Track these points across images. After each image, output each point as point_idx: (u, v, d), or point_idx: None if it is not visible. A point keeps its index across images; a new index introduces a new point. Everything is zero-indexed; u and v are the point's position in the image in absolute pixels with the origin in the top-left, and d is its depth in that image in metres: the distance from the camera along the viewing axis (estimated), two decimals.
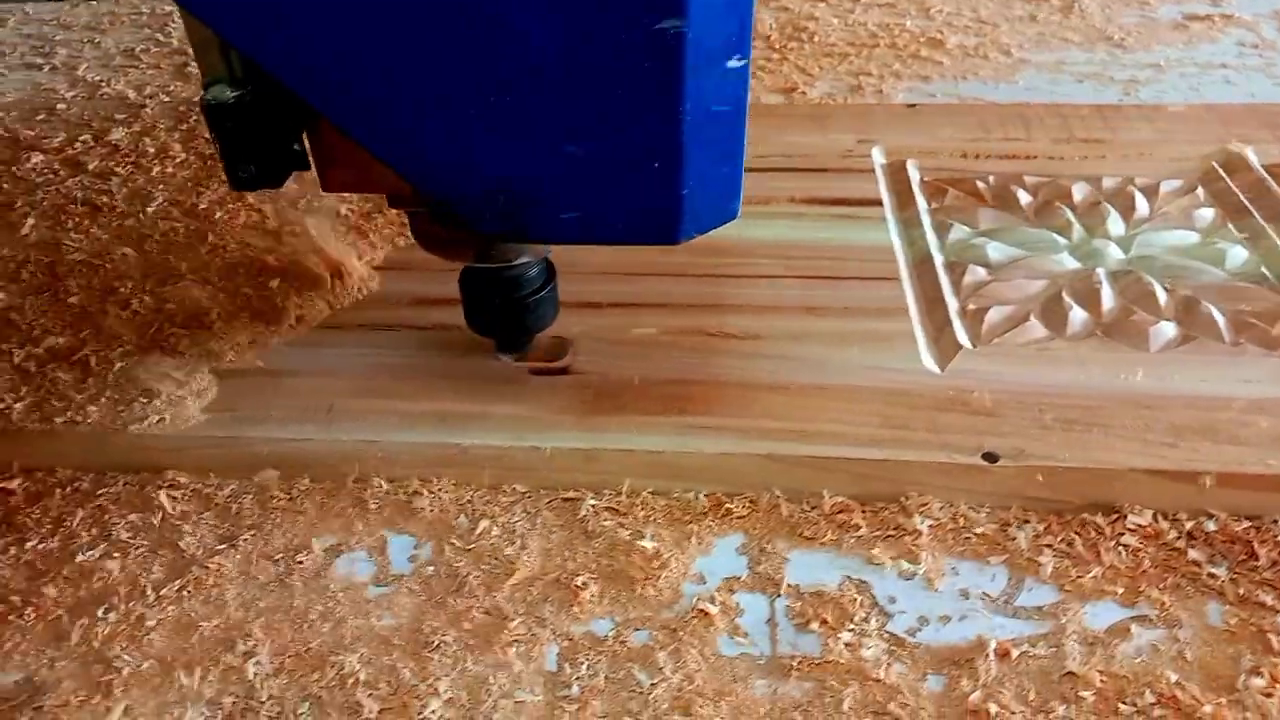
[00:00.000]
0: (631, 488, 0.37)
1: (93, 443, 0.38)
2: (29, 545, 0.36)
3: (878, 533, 0.35)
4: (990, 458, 0.35)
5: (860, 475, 0.36)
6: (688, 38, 0.27)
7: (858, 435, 0.36)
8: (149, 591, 0.34)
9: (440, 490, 0.37)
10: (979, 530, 0.35)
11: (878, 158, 0.53)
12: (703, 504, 0.37)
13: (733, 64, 0.29)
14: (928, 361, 0.39)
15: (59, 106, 0.66)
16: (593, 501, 0.37)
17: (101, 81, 0.69)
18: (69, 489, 0.38)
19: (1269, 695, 0.29)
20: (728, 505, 0.36)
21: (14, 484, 0.38)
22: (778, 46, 0.71)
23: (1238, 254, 0.45)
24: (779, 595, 0.33)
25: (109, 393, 0.39)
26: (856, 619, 0.32)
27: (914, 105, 0.59)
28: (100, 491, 0.38)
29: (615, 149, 0.29)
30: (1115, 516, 0.35)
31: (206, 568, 0.34)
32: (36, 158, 0.59)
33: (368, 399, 0.39)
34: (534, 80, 0.28)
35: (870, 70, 0.67)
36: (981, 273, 0.44)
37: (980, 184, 0.51)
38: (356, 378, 0.40)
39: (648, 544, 0.35)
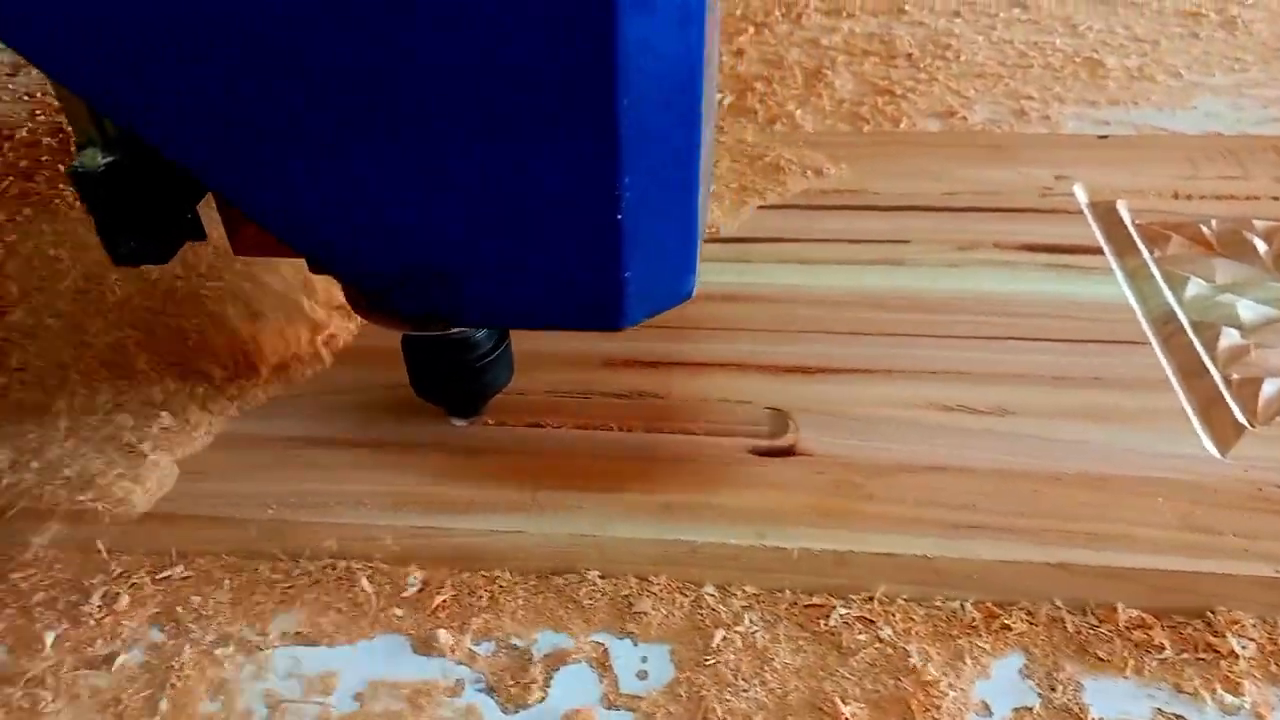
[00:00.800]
0: (885, 593, 0.32)
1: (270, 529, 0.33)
2: None
3: (1185, 655, 0.30)
4: None
5: (1158, 586, 0.31)
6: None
7: (1156, 539, 0.31)
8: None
9: (660, 590, 0.33)
10: None
11: (1081, 196, 0.48)
12: (971, 615, 0.32)
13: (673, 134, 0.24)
14: (1208, 445, 0.35)
15: None
16: (843, 610, 0.32)
17: None
18: None
19: None
20: (1002, 618, 0.31)
21: None
22: (923, 65, 0.67)
23: None
24: None
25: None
26: None
27: (1105, 136, 0.54)
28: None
29: (541, 222, 0.24)
30: None
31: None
32: None
33: (570, 481, 0.34)
34: (437, 132, 0.23)
35: (1030, 94, 0.62)
36: (1236, 335, 0.39)
37: (1204, 229, 0.45)
38: (554, 456, 0.35)
39: (916, 663, 0.30)
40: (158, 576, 0.34)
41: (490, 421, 0.37)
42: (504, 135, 0.23)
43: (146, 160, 0.26)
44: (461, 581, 0.33)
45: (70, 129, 0.26)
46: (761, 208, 0.48)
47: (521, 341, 0.41)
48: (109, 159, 0.26)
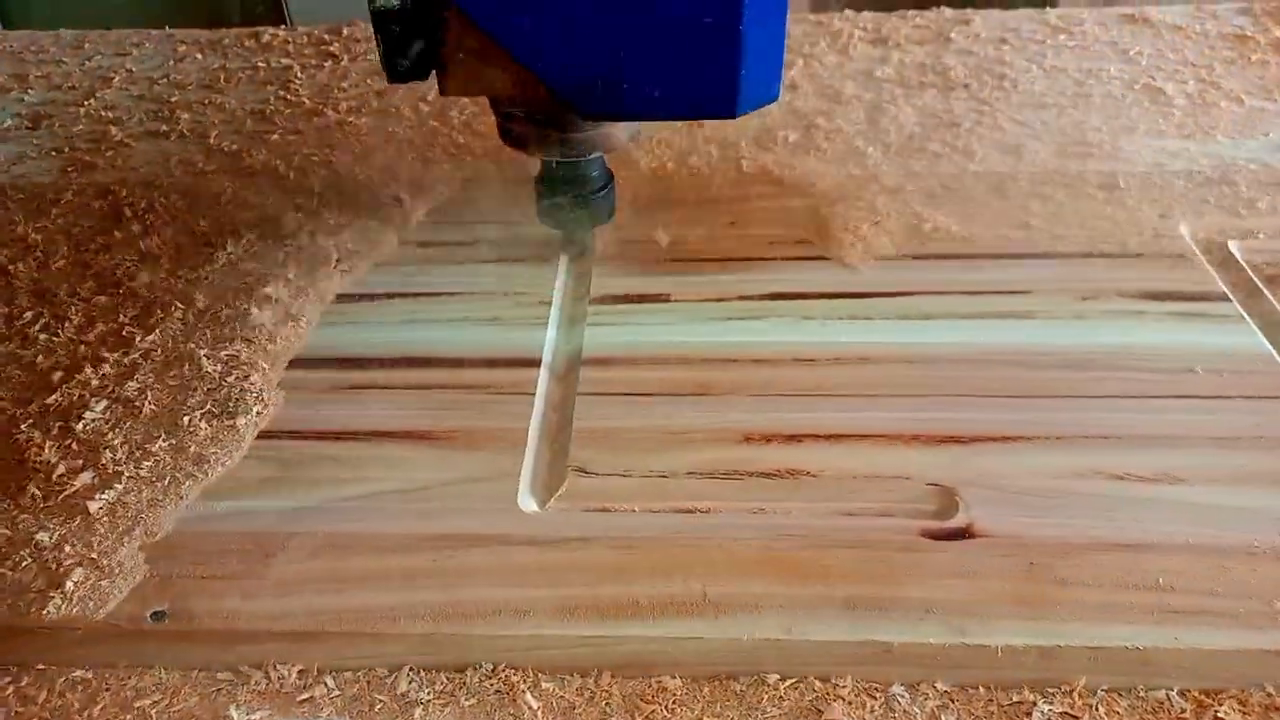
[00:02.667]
0: (1087, 685, 0.30)
1: None
2: None
3: None
4: None
5: None
6: None
7: None
8: None
9: (848, 692, 0.31)
10: None
11: (1189, 239, 0.47)
12: (1179, 705, 0.30)
13: None
14: None
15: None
16: (1045, 706, 0.30)
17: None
18: None
19: None
20: (1213, 708, 0.30)
21: None
22: (981, 96, 0.66)
23: None
24: None
25: None
26: None
27: (1195, 171, 0.53)
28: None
29: (688, 38, 0.35)
30: None
31: None
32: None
33: (741, 575, 0.32)
34: None
35: (1099, 126, 0.61)
36: None
37: None
38: (716, 547, 0.33)
39: None
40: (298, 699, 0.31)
41: (638, 508, 0.35)
42: None
43: (420, 3, 0.36)
44: (631, 690, 0.31)
45: None
46: (889, 258, 0.47)
47: (649, 414, 0.39)
48: (394, 2, 0.35)
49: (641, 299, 0.45)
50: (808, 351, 0.41)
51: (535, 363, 0.41)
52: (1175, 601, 0.31)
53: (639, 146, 0.61)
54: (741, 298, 0.45)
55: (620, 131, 0.43)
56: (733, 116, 0.36)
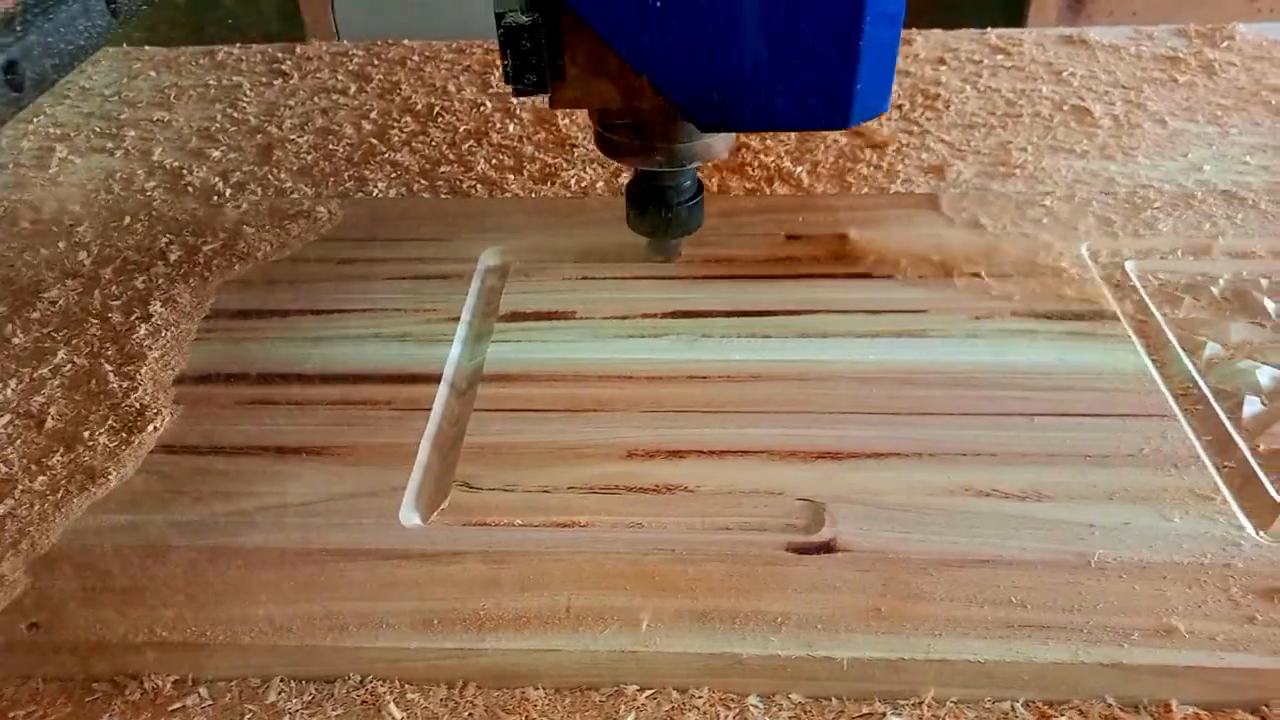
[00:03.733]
0: (936, 696, 0.31)
1: None
2: None
3: None
4: None
5: (1215, 682, 0.30)
6: None
7: (1210, 633, 0.31)
8: None
9: (704, 704, 0.32)
10: None
11: (1088, 257, 0.48)
12: (1023, 716, 0.31)
13: None
14: (1246, 526, 0.34)
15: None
16: (893, 717, 0.31)
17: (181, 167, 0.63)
18: None
19: None
20: (1054, 718, 0.31)
21: None
22: (912, 117, 0.67)
23: None
24: None
25: None
26: None
27: (1108, 193, 0.54)
28: None
29: (806, 49, 0.36)
30: None
31: None
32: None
33: (605, 589, 0.33)
34: None
35: (1024, 146, 0.62)
36: (1258, 404, 0.39)
37: (1213, 289, 0.46)
38: (586, 561, 0.34)
39: None
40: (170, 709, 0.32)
41: (519, 522, 0.36)
42: None
43: (548, 19, 0.37)
44: (494, 701, 0.32)
45: None
46: (775, 277, 0.48)
47: (540, 431, 0.40)
48: (530, 18, 0.36)
49: (549, 316, 0.46)
50: (702, 369, 0.42)
51: (436, 379, 0.42)
52: (1024, 616, 0.31)
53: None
54: (644, 315, 0.46)
55: (721, 142, 0.43)
56: (845, 127, 0.38)
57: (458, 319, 0.46)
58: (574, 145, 0.66)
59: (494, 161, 0.64)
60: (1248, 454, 0.37)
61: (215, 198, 0.60)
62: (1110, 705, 0.31)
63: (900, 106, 0.68)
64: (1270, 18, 1.23)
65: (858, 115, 0.37)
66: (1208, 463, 0.37)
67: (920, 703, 0.31)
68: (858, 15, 0.35)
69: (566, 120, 0.69)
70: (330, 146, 0.66)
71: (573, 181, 0.61)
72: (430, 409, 0.40)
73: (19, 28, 0.24)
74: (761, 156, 0.62)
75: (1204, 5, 1.07)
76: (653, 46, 0.36)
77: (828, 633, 0.31)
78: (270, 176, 0.62)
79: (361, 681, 0.32)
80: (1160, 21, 0.80)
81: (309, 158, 0.65)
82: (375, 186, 0.62)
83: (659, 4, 0.35)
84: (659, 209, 0.46)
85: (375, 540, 0.35)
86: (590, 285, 0.48)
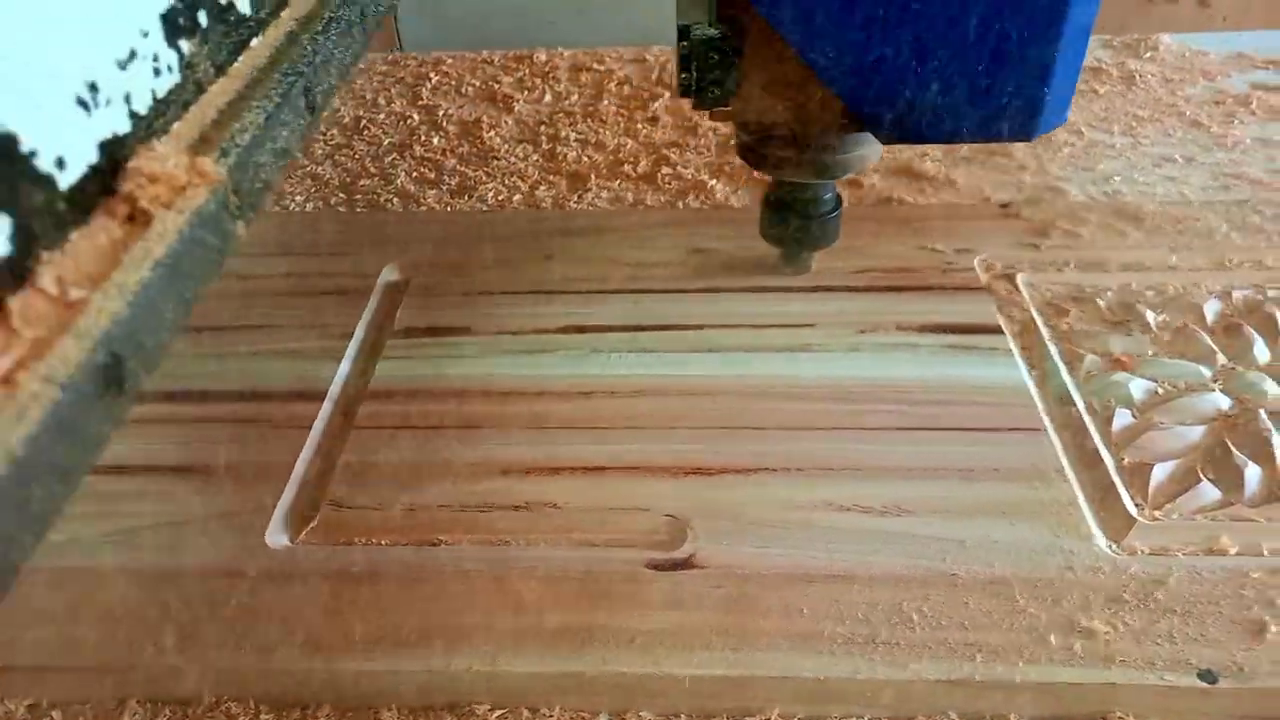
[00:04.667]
0: (781, 713, 0.31)
1: None
2: None
3: None
4: (1207, 677, 0.30)
5: (1054, 695, 0.31)
6: None
7: (1049, 647, 0.31)
8: None
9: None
10: None
11: (980, 271, 0.49)
12: None
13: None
14: (1099, 539, 0.35)
15: None
16: None
17: None
18: None
19: None
20: None
21: None
22: None
23: None
24: None
25: None
26: None
27: (1007, 204, 0.54)
28: None
29: (1000, 57, 0.35)
30: None
31: None
32: None
33: (465, 609, 0.33)
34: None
35: (939, 158, 0.63)
36: (1129, 416, 0.40)
37: (1100, 301, 0.46)
38: (450, 579, 0.34)
39: None
40: None
41: (385, 541, 0.36)
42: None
43: (733, 32, 0.38)
44: None
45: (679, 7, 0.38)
46: (672, 291, 0.48)
47: (416, 449, 0.40)
48: (715, 31, 0.37)
49: (443, 331, 0.46)
50: (588, 384, 0.42)
51: (321, 396, 0.42)
52: (870, 632, 0.32)
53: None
54: (538, 330, 0.46)
55: (874, 154, 0.43)
56: (1031, 139, 0.37)
57: (351, 335, 0.46)
58: (496, 158, 0.66)
59: (414, 175, 0.64)
60: (1111, 467, 0.38)
61: None
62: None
63: None
64: (1224, 27, 1.24)
65: (1044, 126, 0.37)
66: (1071, 476, 0.37)
67: (768, 718, 0.32)
68: (1058, 24, 0.34)
69: (491, 133, 0.69)
70: None
71: (490, 195, 0.61)
72: (309, 428, 0.41)
73: (309, 49, 0.24)
74: (680, 169, 0.63)
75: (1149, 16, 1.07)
76: (843, 56, 0.36)
77: (675, 650, 0.31)
78: None
79: (217, 703, 0.33)
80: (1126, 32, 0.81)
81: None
82: (292, 200, 0.62)
83: (857, 15, 0.34)
84: (801, 220, 0.45)
85: (240, 561, 0.35)
86: (488, 300, 0.48)
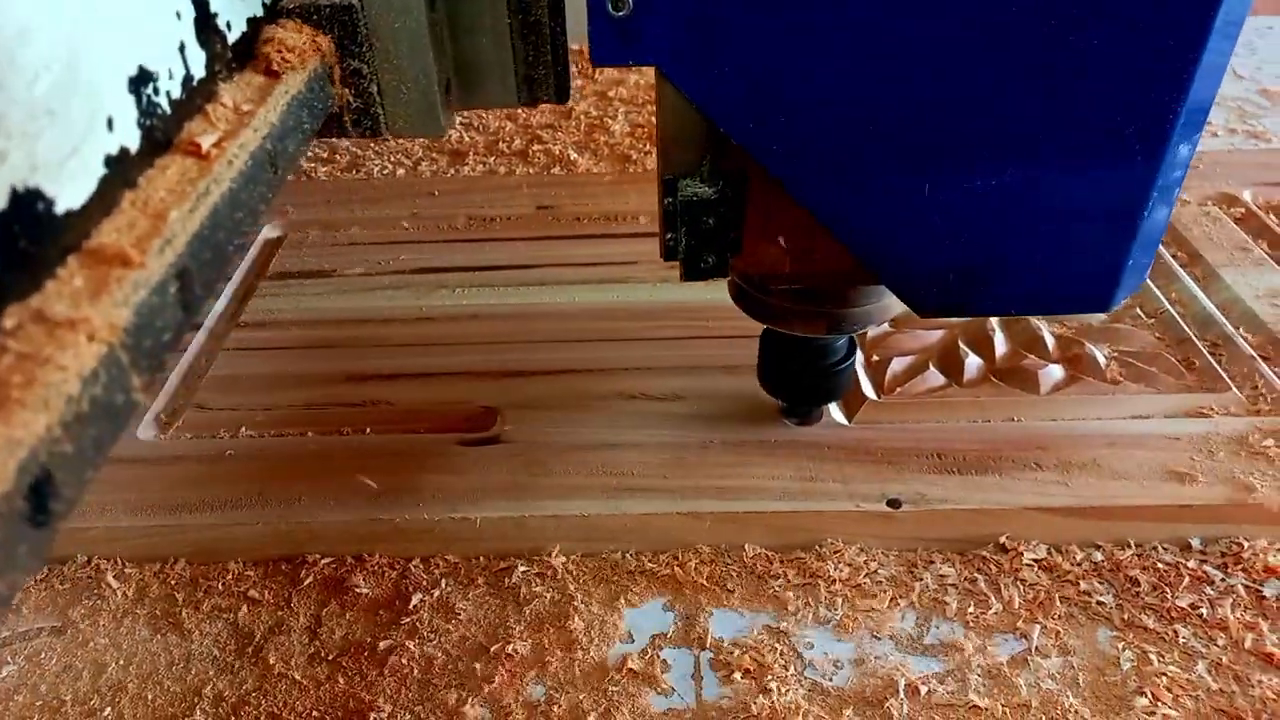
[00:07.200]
0: (562, 550, 0.38)
1: None
2: None
3: (797, 581, 0.37)
4: (894, 504, 0.37)
5: (779, 527, 0.38)
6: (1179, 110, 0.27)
7: (773, 489, 0.38)
8: None
9: (374, 564, 0.38)
10: (888, 573, 0.37)
11: None
12: (630, 563, 0.38)
13: (1184, 148, 0.29)
14: (836, 415, 0.42)
15: None
16: (523, 568, 0.38)
17: None
18: None
19: (1152, 713, 0.32)
20: (650, 565, 0.38)
21: None
22: None
23: None
24: (705, 649, 0.35)
25: None
26: (776, 667, 0.34)
27: None
28: None
29: (1081, 222, 0.29)
30: (1012, 553, 0.37)
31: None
32: None
33: (297, 479, 0.40)
34: (1017, 150, 0.28)
35: None
36: (886, 324, 0.47)
37: None
38: (288, 459, 0.40)
39: (579, 604, 0.36)
40: None
41: (238, 434, 0.42)
42: (1072, 154, 0.28)
43: (734, 191, 0.30)
44: (199, 573, 0.38)
45: (661, 160, 0.30)
46: (516, 239, 0.55)
47: (275, 364, 0.46)
48: (715, 189, 0.30)
49: (310, 274, 0.53)
50: (432, 312, 0.49)
51: (196, 327, 0.48)
52: (631, 483, 0.39)
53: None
54: (394, 272, 0.52)
55: (897, 305, 0.35)
56: (1106, 311, 0.32)
57: (228, 279, 0.52)
58: (385, 139, 0.73)
59: (310, 155, 0.71)
60: (858, 363, 0.45)
61: None
62: (701, 550, 0.38)
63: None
64: None
65: (1120, 296, 0.31)
66: None
67: (549, 555, 0.38)
68: (1145, 190, 0.28)
69: None
70: None
71: (376, 170, 0.68)
72: (185, 350, 0.47)
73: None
74: (550, 146, 0.70)
75: None
76: (877, 224, 0.30)
77: (469, 501, 0.38)
78: None
79: (89, 561, 0.38)
80: None
81: None
82: None
83: (895, 175, 0.29)
84: (808, 375, 0.39)
85: (115, 450, 0.41)
86: (353, 250, 0.55)
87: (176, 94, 0.23)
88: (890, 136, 0.28)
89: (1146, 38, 0.26)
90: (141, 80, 0.22)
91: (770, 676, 0.33)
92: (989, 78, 0.27)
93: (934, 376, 0.44)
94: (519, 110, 0.77)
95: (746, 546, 0.38)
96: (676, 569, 0.38)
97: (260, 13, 0.28)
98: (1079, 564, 0.37)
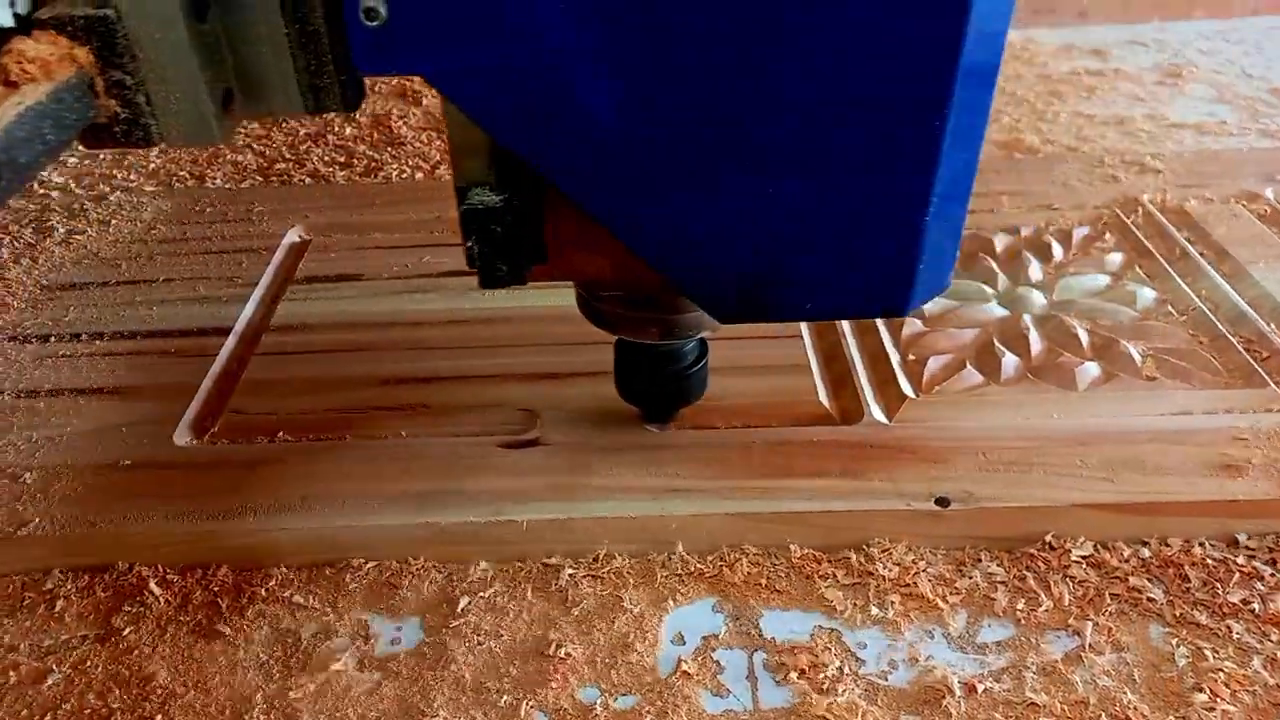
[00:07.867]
0: (608, 552, 0.38)
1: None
2: None
3: (846, 581, 0.37)
4: (942, 503, 0.37)
5: (826, 527, 0.37)
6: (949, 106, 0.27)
7: (818, 489, 0.38)
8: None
9: (419, 568, 0.38)
10: (936, 572, 0.37)
11: None
12: (676, 564, 0.38)
13: (962, 152, 0.29)
14: (877, 413, 0.42)
15: None
16: (571, 570, 0.38)
17: None
18: None
19: (1211, 709, 0.32)
20: (698, 566, 0.38)
21: None
22: None
23: (1145, 294, 0.49)
24: (758, 649, 0.35)
25: None
26: (831, 667, 0.34)
27: None
28: None
29: (865, 228, 0.30)
30: (1060, 550, 0.37)
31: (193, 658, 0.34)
32: None
33: (339, 482, 0.39)
34: (794, 160, 0.28)
35: None
36: (919, 324, 0.47)
37: None
38: (329, 463, 0.40)
39: (628, 605, 0.36)
40: None
41: (276, 439, 0.42)
42: (848, 162, 0.28)
43: (524, 199, 0.30)
44: (242, 579, 0.38)
45: (454, 170, 0.31)
46: None
47: (309, 368, 0.46)
48: (501, 197, 0.30)
49: (338, 278, 0.52)
50: (463, 315, 0.49)
51: (226, 331, 0.48)
52: (678, 484, 0.39)
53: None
54: (421, 275, 0.52)
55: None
56: (902, 315, 0.32)
57: (256, 284, 0.52)
58: (403, 144, 0.73)
59: (327, 159, 0.71)
60: (895, 362, 0.45)
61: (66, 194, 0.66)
62: (744, 551, 0.38)
63: None
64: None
65: (918, 298, 0.32)
66: (815, 369, 0.44)
67: (597, 557, 0.38)
68: (923, 195, 0.29)
69: (400, 123, 0.76)
70: (172, 153, 0.72)
71: (394, 174, 0.68)
72: (215, 355, 0.46)
73: None
74: None
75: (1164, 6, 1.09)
76: (664, 234, 0.29)
77: (513, 503, 0.38)
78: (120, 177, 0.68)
79: (131, 568, 0.38)
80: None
81: (157, 161, 0.71)
82: (213, 181, 0.68)
83: (677, 188, 0.29)
84: (655, 380, 0.39)
85: (150, 455, 0.41)
86: (381, 253, 0.54)
87: None
88: (665, 146, 0.28)
89: (902, 39, 0.26)
90: None
91: (825, 677, 0.33)
92: (754, 88, 0.27)
93: (971, 375, 0.44)
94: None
95: (793, 546, 0.38)
96: (724, 569, 0.37)
97: (10, 23, 0.27)
98: (1127, 560, 0.37)
